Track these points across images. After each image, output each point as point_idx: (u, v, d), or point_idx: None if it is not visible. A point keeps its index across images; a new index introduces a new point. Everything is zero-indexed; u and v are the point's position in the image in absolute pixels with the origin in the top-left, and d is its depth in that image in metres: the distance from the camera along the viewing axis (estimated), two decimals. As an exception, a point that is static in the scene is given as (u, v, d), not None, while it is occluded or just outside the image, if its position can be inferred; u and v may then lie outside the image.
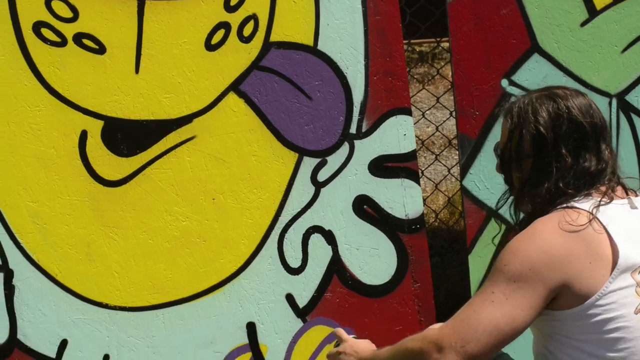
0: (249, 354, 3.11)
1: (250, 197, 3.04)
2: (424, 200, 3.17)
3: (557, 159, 2.37)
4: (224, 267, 3.09)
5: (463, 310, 2.31)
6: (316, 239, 3.10)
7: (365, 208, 3.12)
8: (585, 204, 2.32)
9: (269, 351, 3.15)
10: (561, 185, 2.35)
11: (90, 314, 3.00)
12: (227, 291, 3.09)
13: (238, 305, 3.11)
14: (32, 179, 2.92)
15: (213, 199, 3.02)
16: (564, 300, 2.29)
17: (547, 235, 2.29)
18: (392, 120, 3.14)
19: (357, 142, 3.09)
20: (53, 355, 2.99)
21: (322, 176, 3.09)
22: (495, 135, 3.15)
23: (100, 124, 2.95)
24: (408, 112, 3.18)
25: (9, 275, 2.93)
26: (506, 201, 2.52)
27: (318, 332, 3.13)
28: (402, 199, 3.17)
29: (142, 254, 3.01)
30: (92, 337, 3.00)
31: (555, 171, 2.36)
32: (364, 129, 3.10)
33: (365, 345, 2.56)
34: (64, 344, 2.99)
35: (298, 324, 3.06)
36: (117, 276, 3.00)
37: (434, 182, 4.22)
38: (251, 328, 3.14)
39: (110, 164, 2.95)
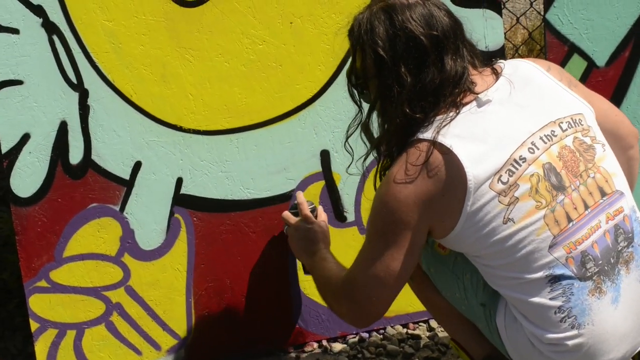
0: (322, 182, 3.08)
1: (328, 22, 2.96)
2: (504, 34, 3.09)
3: (397, 81, 2.29)
4: (299, 93, 3.04)
5: (352, 270, 2.43)
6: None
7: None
8: (429, 132, 2.28)
9: (342, 180, 3.12)
10: (407, 110, 2.29)
11: (165, 136, 2.96)
12: (302, 118, 3.05)
13: (312, 132, 3.07)
14: (108, -4, 2.84)
15: (290, 23, 2.94)
16: (436, 232, 2.34)
17: (398, 187, 2.29)
18: (476, -52, 3.03)
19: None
20: (127, 177, 2.97)
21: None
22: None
23: (177, -59, 2.86)
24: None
25: (84, 95, 2.88)
26: (356, 128, 2.49)
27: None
28: (483, 30, 3.09)
29: (217, 76, 2.96)
30: (165, 159, 2.97)
31: (397, 94, 2.29)
32: (447, -45, 3.00)
33: (326, 239, 2.72)
34: (137, 166, 2.96)
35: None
36: (191, 98, 2.95)
37: (515, 15, 4.12)
38: (325, 156, 3.10)
39: (187, -17, 2.87)
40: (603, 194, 2.35)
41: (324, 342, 3.24)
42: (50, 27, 2.83)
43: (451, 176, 2.25)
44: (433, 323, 3.30)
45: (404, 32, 2.28)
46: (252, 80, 2.95)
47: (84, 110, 2.87)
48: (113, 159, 2.91)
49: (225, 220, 3.03)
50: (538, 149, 2.30)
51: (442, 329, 3.20)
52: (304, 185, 3.06)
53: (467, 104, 2.31)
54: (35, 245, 2.92)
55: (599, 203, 2.34)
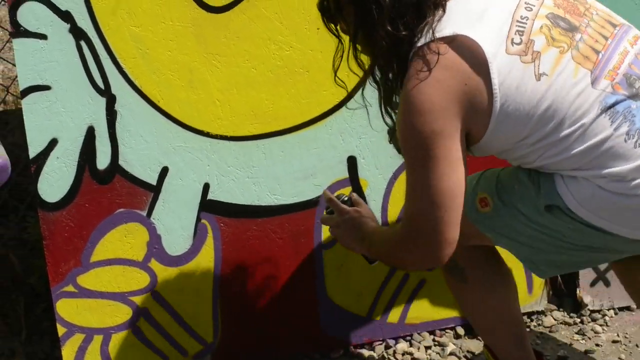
0: (349, 188, 3.07)
1: (355, 28, 2.94)
2: None
3: (375, 2, 2.23)
4: (326, 99, 3.03)
5: (406, 212, 2.34)
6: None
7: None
8: (423, 38, 2.24)
9: (369, 186, 3.11)
10: (390, 29, 2.23)
11: (192, 142, 2.96)
12: (329, 124, 3.04)
13: (339, 138, 3.06)
14: (136, 2, 2.85)
15: (317, 29, 2.94)
16: (475, 130, 2.27)
17: (417, 100, 2.21)
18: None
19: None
20: (154, 183, 2.97)
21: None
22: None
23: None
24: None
25: (112, 100, 2.88)
26: (340, 61, 2.45)
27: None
28: None
29: (244, 82, 2.95)
30: (192, 165, 2.97)
31: (378, 16, 2.24)
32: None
33: (367, 218, 2.64)
34: (164, 171, 2.97)
35: (399, 160, 3.00)
36: (218, 104, 2.95)
37: None
38: (352, 162, 3.09)
39: (214, -11, 2.87)
40: (614, 25, 2.36)
41: (351, 349, 3.22)
42: (78, 33, 2.83)
43: (466, 59, 2.20)
44: (460, 330, 3.29)
45: None
46: (279, 86, 2.95)
47: (111, 115, 2.87)
48: (140, 164, 2.91)
49: (252, 226, 3.03)
50: (534, 5, 2.29)
51: (470, 337, 3.18)
52: (330, 191, 3.03)
53: None
54: (62, 250, 2.92)
55: (614, 34, 2.34)
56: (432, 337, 3.30)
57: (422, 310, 3.30)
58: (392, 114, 2.43)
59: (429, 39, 2.23)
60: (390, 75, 2.34)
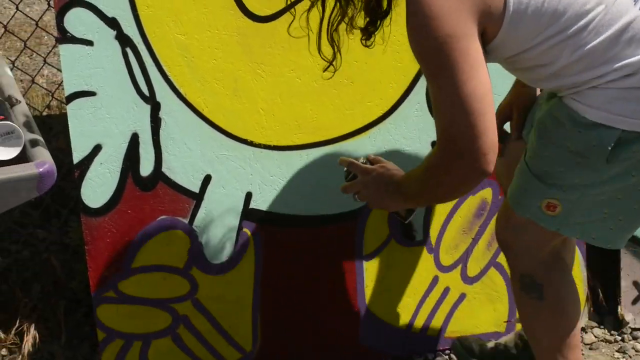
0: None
1: (400, 40, 2.93)
2: None
3: None
4: (370, 111, 3.02)
5: (438, 128, 2.22)
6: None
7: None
8: None
9: (412, 198, 3.09)
10: None
11: (235, 150, 2.96)
12: (373, 135, 3.04)
13: (383, 150, 3.05)
14: (182, 10, 2.86)
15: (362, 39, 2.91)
16: (491, 27, 2.18)
17: (426, 7, 2.10)
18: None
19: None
20: (196, 191, 2.98)
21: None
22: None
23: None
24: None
25: (156, 107, 2.89)
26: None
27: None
28: None
29: (288, 92, 2.95)
30: (235, 174, 2.97)
31: None
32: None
33: (395, 170, 2.56)
34: (207, 179, 2.97)
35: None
36: (262, 114, 2.95)
37: None
38: (395, 174, 3.07)
39: (260, -1, 2.86)
40: None
41: (390, 361, 3.22)
42: (124, 40, 2.85)
43: None
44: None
45: None
46: (323, 97, 2.94)
47: (155, 122, 2.88)
48: (183, 171, 2.92)
49: (293, 235, 3.03)
50: None
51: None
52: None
53: None
54: (104, 256, 2.94)
55: None
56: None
57: (461, 324, 3.29)
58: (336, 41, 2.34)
59: None
60: None
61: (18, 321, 3.22)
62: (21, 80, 4.78)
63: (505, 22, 2.20)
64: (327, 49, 2.37)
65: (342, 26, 2.31)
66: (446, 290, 3.24)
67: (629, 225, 2.47)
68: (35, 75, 4.43)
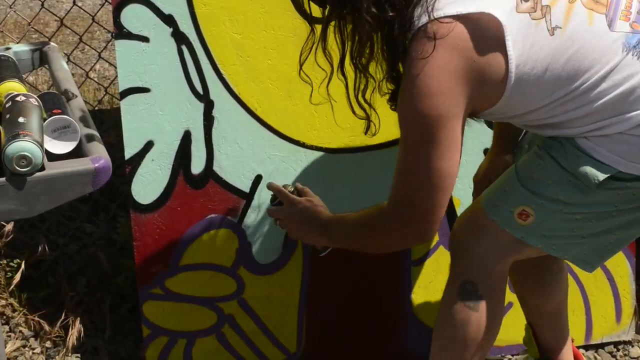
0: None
1: (457, 45, 2.90)
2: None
3: None
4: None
5: (398, 190, 2.30)
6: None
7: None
8: (422, 17, 2.15)
9: (462, 204, 3.08)
10: (374, 10, 2.14)
11: (287, 151, 2.96)
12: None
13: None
14: (239, 9, 2.85)
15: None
16: (486, 101, 2.23)
17: (422, 84, 2.15)
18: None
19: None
20: (247, 190, 2.97)
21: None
22: None
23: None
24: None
25: (209, 105, 2.89)
26: (309, 53, 2.38)
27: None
28: None
29: (342, 94, 2.91)
30: (286, 174, 2.97)
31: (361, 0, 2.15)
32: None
33: (322, 207, 2.62)
34: (258, 179, 2.96)
35: (493, 180, 2.95)
36: (316, 115, 2.94)
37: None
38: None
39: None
40: None
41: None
42: (179, 37, 2.85)
43: (473, 34, 2.13)
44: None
45: None
46: (377, 100, 2.91)
47: (208, 121, 2.87)
48: (234, 171, 2.91)
49: (342, 238, 3.00)
50: None
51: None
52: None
53: None
54: (152, 252, 2.93)
55: None
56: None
57: (507, 332, 3.25)
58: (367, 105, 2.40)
59: (427, 19, 2.15)
60: (380, 61, 2.27)
61: (64, 314, 3.22)
62: (73, 74, 4.79)
63: (507, 93, 2.23)
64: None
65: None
66: (509, 305, 3.19)
67: (589, 247, 2.46)
68: (89, 70, 4.44)
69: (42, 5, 3.98)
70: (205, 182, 2.92)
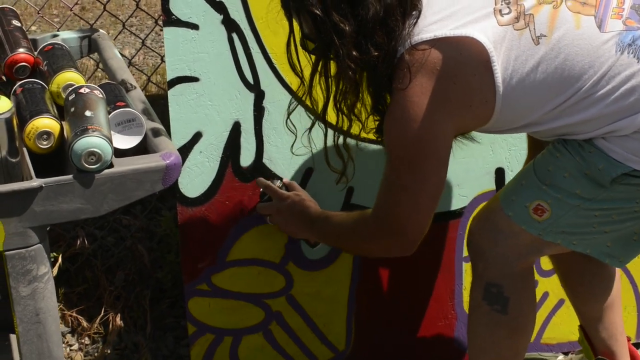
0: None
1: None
2: None
3: (336, 31, 2.15)
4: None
5: (383, 203, 2.35)
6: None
7: None
8: (400, 47, 2.16)
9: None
10: (355, 54, 2.15)
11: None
12: (479, 133, 2.90)
13: (489, 149, 2.96)
14: (291, -4, 2.73)
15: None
16: (477, 120, 2.24)
17: (405, 105, 2.18)
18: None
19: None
20: (298, 183, 2.86)
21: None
22: None
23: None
24: None
25: (260, 96, 2.80)
26: (297, 104, 2.45)
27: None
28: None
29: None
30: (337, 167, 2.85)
31: (340, 46, 2.16)
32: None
33: (311, 202, 2.64)
34: (308, 172, 2.87)
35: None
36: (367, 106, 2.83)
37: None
38: (500, 174, 2.98)
39: None
40: None
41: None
42: (230, 25, 2.75)
43: (452, 57, 2.13)
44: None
45: None
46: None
47: (258, 111, 2.78)
48: (284, 163, 2.82)
49: (394, 234, 2.91)
50: None
51: None
52: (475, 203, 2.92)
53: None
54: (198, 247, 2.85)
55: None
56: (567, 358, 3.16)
57: (558, 330, 3.18)
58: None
59: (407, 47, 2.16)
60: (364, 99, 2.31)
61: (103, 310, 3.13)
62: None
63: (497, 109, 2.21)
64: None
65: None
66: (545, 295, 3.13)
67: (612, 240, 2.38)
68: (132, 58, 4.32)
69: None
70: (255, 175, 2.82)
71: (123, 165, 1.94)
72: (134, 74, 4.37)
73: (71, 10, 4.14)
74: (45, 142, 1.98)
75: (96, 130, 1.88)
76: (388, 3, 2.18)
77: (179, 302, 3.14)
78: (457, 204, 2.97)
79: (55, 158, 1.96)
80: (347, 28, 2.17)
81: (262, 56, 2.79)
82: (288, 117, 2.49)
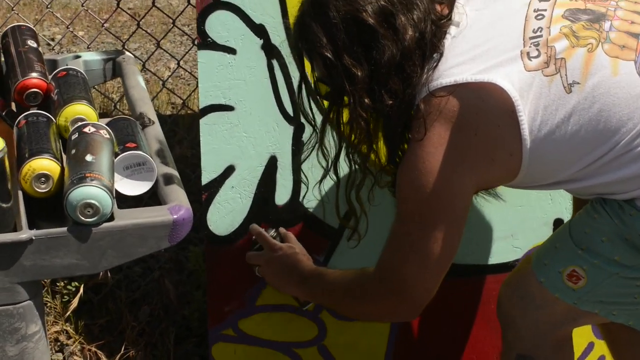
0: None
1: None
2: None
3: (347, 76, 1.96)
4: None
5: (388, 262, 2.16)
6: None
7: None
8: (420, 93, 1.98)
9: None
10: (367, 101, 1.96)
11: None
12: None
13: (548, 198, 2.72)
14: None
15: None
16: (504, 169, 2.03)
17: (421, 156, 1.99)
18: None
19: None
20: (336, 227, 2.68)
21: None
22: None
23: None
24: None
25: (299, 129, 2.63)
26: (310, 152, 2.27)
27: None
28: None
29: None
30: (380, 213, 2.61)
31: (351, 93, 1.97)
32: None
33: (304, 257, 2.43)
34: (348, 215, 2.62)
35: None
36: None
37: None
38: (559, 225, 2.73)
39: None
40: None
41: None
42: (270, 50, 2.53)
43: (473, 105, 1.94)
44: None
45: (341, 18, 1.98)
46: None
47: (297, 146, 2.55)
48: (324, 204, 2.59)
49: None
50: (545, 9, 1.94)
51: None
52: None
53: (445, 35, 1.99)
54: (226, 289, 2.65)
55: None
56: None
57: None
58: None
59: (424, 93, 1.96)
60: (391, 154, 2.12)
61: (124, 347, 2.92)
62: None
63: (524, 163, 2.00)
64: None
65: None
66: (601, 359, 2.87)
67: None
68: (166, 80, 4.12)
69: (118, 5, 3.68)
70: (291, 215, 2.60)
71: (124, 219, 1.71)
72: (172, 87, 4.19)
73: (103, 25, 3.96)
74: (43, 186, 1.77)
75: (95, 179, 1.65)
76: (406, 45, 1.98)
77: (205, 341, 2.93)
78: (509, 256, 2.74)
79: (57, 202, 1.74)
80: (359, 73, 1.99)
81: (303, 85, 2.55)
82: (300, 169, 2.35)
